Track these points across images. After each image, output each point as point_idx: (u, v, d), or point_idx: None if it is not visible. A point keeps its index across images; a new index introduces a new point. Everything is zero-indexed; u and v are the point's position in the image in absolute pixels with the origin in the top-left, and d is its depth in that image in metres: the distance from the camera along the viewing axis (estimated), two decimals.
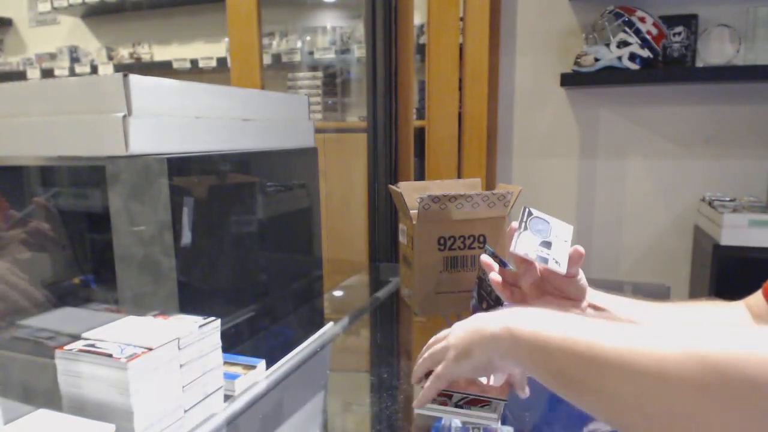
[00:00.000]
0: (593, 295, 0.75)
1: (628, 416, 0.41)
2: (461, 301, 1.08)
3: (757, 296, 0.72)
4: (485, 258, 0.78)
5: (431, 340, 0.70)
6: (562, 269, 0.70)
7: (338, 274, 1.57)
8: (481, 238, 1.08)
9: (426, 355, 0.68)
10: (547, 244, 0.72)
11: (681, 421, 0.37)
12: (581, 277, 0.72)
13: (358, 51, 2.74)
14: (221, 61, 3.02)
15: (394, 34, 1.80)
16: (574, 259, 0.70)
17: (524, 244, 0.71)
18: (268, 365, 0.85)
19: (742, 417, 0.35)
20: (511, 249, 0.71)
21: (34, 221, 0.96)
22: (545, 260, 0.71)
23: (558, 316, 0.51)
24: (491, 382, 0.70)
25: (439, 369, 0.63)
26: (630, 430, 0.42)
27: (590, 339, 0.44)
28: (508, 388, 0.71)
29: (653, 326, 0.44)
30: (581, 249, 0.70)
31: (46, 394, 0.68)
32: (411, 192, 1.13)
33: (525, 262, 0.74)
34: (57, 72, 3.40)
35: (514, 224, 0.73)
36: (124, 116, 0.77)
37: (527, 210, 0.76)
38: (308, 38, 2.90)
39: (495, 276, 0.76)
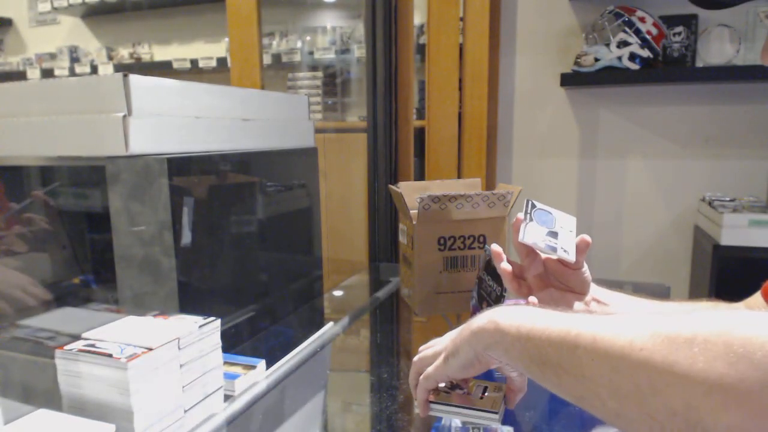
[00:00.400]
0: (596, 290, 0.75)
1: (603, 396, 0.43)
2: (461, 301, 1.08)
3: (757, 297, 0.72)
4: (495, 247, 0.78)
5: (420, 348, 0.70)
6: (571, 257, 0.70)
7: (338, 274, 1.57)
8: (481, 238, 1.08)
9: (416, 359, 0.68)
10: (554, 234, 0.72)
11: (649, 397, 0.39)
12: (585, 269, 0.72)
13: (358, 51, 2.74)
14: (221, 61, 3.02)
15: (394, 34, 1.80)
16: (581, 248, 0.71)
17: (532, 234, 0.71)
18: (268, 365, 0.85)
19: (706, 391, 0.35)
20: (519, 239, 0.71)
21: (33, 215, 0.96)
22: (554, 249, 0.70)
23: (540, 309, 0.53)
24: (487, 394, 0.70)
25: (429, 370, 0.64)
26: (605, 411, 0.43)
27: (568, 326, 0.46)
28: (501, 401, 0.71)
29: (626, 314, 0.46)
30: (588, 238, 0.71)
31: (46, 394, 0.68)
32: (411, 192, 1.13)
33: (530, 255, 0.74)
34: (57, 72, 3.40)
35: (520, 215, 0.73)
36: (124, 116, 0.77)
37: (530, 202, 0.75)
38: (308, 38, 2.90)
39: (506, 265, 0.76)
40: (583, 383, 0.44)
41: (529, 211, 0.74)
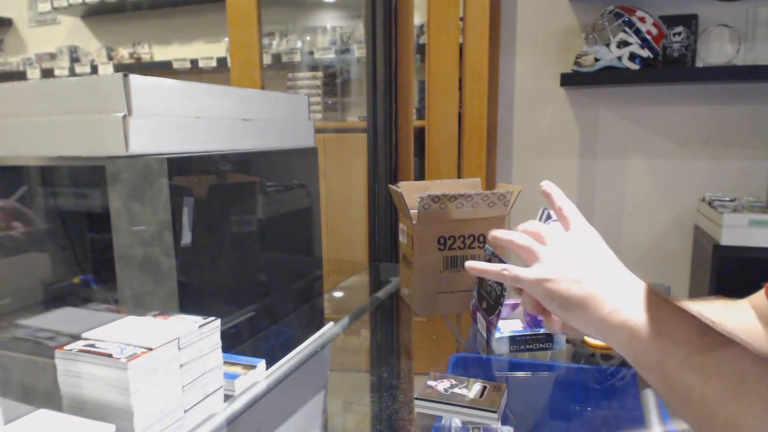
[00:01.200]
0: None
1: None
2: (461, 301, 1.08)
3: (760, 295, 0.72)
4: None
5: (537, 229, 0.61)
6: None
7: (338, 274, 1.57)
8: (481, 238, 1.08)
9: (524, 242, 0.59)
10: None
11: None
12: None
13: (358, 51, 2.74)
14: (221, 61, 3.03)
15: (394, 34, 1.80)
16: None
17: None
18: (268, 365, 0.85)
19: None
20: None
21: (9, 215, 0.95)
22: None
23: (698, 335, 0.48)
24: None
25: (519, 272, 0.58)
26: None
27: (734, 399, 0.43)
28: (501, 400, 0.71)
29: None
30: None
31: (46, 394, 0.68)
32: (411, 192, 1.13)
33: None
34: (57, 72, 3.40)
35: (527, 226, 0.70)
36: (124, 116, 0.77)
37: (546, 212, 0.73)
38: (308, 38, 2.90)
39: None
40: None
41: (542, 221, 0.72)
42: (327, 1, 3.03)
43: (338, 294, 1.41)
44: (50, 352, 0.63)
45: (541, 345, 0.92)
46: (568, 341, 0.94)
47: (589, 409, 0.80)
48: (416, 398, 0.73)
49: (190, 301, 0.84)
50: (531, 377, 0.92)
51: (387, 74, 1.78)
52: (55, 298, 0.97)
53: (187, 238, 0.84)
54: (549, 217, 0.73)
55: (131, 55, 3.35)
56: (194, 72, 3.11)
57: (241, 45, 2.17)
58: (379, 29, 1.74)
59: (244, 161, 1.02)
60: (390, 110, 1.81)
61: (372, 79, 1.77)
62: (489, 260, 0.97)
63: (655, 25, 1.92)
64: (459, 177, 2.01)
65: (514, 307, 1.06)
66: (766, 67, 1.85)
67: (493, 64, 2.14)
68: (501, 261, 0.91)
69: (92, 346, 0.62)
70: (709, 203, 1.87)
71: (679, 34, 1.98)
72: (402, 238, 1.16)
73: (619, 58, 1.93)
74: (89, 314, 0.83)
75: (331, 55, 2.80)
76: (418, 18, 2.18)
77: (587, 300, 0.55)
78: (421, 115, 2.27)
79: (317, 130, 1.27)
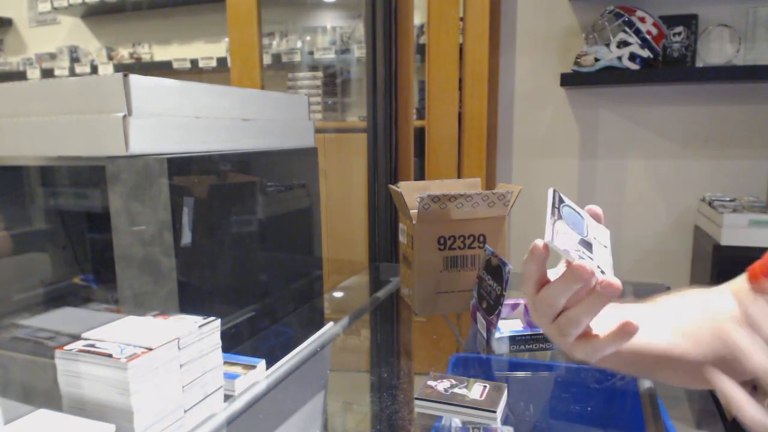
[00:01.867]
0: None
1: None
2: (461, 301, 1.08)
3: (742, 280, 0.70)
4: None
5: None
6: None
7: (338, 274, 1.57)
8: (481, 238, 1.08)
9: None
10: (587, 246, 0.54)
11: None
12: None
13: (358, 51, 2.74)
14: (221, 61, 3.03)
15: (394, 34, 1.80)
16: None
17: (563, 239, 0.52)
18: (268, 365, 0.85)
19: None
20: (547, 239, 0.51)
21: None
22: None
23: None
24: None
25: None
26: None
27: None
28: (501, 400, 0.71)
29: None
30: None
31: (46, 394, 0.68)
32: (411, 192, 1.13)
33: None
34: (57, 72, 3.40)
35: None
36: (124, 116, 0.77)
37: (557, 195, 0.56)
38: (308, 38, 2.90)
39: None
40: None
41: (556, 206, 0.56)
42: (327, 1, 3.03)
43: (338, 294, 1.41)
44: (50, 352, 0.63)
45: (541, 345, 0.92)
46: None
47: (589, 409, 0.80)
48: (416, 398, 0.73)
49: (190, 301, 0.84)
50: (531, 377, 0.92)
51: (387, 74, 1.78)
52: (55, 298, 0.97)
53: (187, 238, 0.84)
54: (561, 201, 0.57)
55: (131, 55, 3.35)
56: (194, 72, 3.11)
57: (241, 45, 2.17)
58: (379, 29, 1.74)
59: (244, 161, 1.02)
60: (390, 110, 1.81)
61: (372, 79, 1.77)
62: (489, 260, 0.97)
63: (655, 25, 1.92)
64: (459, 177, 2.01)
65: (514, 307, 1.06)
66: (766, 67, 1.85)
67: (493, 64, 2.14)
68: (502, 261, 0.91)
69: (92, 346, 0.62)
70: (709, 203, 1.87)
71: (679, 34, 1.98)
72: (402, 238, 1.16)
73: (619, 58, 1.93)
74: (89, 314, 0.83)
75: (331, 55, 2.80)
76: (418, 18, 2.18)
77: None
78: (421, 115, 2.27)
79: (317, 130, 1.27)
